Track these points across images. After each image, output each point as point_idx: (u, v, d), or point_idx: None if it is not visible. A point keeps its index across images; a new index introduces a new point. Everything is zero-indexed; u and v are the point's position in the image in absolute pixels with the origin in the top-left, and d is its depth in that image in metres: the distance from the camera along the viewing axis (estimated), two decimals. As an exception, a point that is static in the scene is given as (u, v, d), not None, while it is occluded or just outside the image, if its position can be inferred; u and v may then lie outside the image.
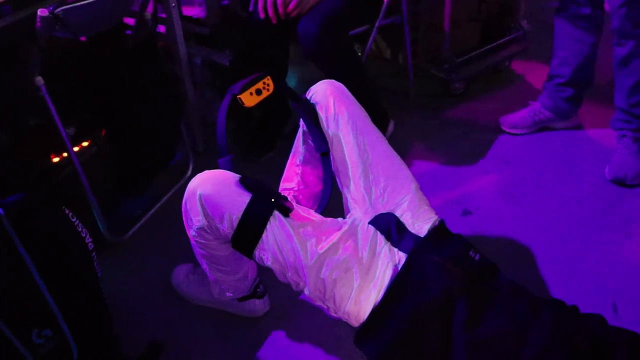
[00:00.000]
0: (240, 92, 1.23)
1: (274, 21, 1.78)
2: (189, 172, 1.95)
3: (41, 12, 1.32)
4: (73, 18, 1.38)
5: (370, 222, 1.22)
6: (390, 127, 2.09)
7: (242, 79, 1.27)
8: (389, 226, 1.20)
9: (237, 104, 1.24)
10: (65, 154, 1.56)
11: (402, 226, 1.21)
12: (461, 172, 1.97)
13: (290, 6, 1.75)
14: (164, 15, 1.86)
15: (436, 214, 1.28)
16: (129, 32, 1.87)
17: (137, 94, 1.71)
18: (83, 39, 1.65)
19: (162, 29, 1.97)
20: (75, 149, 1.59)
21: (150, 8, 1.82)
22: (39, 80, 1.41)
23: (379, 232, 1.20)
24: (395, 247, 1.18)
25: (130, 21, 1.86)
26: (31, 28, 1.34)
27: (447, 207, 1.81)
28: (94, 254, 1.14)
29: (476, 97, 2.38)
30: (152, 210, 1.81)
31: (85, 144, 1.71)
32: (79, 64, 1.62)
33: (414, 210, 1.25)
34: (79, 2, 1.38)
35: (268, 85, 1.26)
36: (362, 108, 1.35)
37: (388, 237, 1.19)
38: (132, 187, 1.77)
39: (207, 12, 2.13)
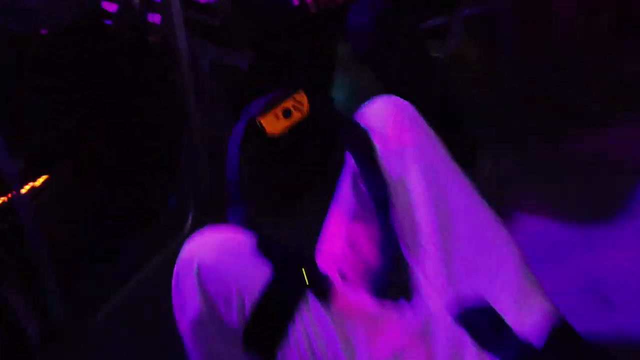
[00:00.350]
0: (262, 114, 1.24)
1: (313, 9, 1.79)
2: (187, 227, 1.95)
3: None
4: (23, 3, 1.41)
5: (451, 315, 1.18)
6: (483, 164, 2.06)
7: (265, 91, 1.27)
8: (479, 322, 1.15)
9: (257, 130, 1.24)
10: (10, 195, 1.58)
11: (499, 323, 1.17)
12: (592, 236, 1.93)
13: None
14: (158, -1, 1.92)
15: (554, 303, 1.23)
16: (108, 22, 1.93)
17: (117, 110, 1.74)
18: (43, 31, 1.70)
19: (155, 18, 2.01)
20: (25, 188, 1.60)
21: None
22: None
23: (464, 331, 1.15)
24: (491, 354, 1.13)
25: (111, 7, 1.91)
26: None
27: (572, 293, 1.75)
28: (42, 347, 1.13)
29: (614, 122, 2.34)
30: (130, 285, 1.80)
31: (39, 181, 1.73)
32: (36, 67, 1.66)
33: (518, 297, 1.19)
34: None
35: (301, 103, 1.26)
36: (438, 137, 1.34)
37: (480, 340, 1.14)
38: (103, 248, 1.78)
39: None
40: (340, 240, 1.46)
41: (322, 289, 1.15)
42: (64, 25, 1.63)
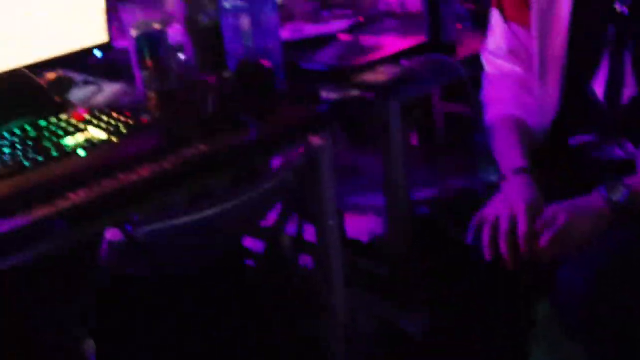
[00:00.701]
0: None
1: (512, 266, 1.79)
2: None
3: (111, 233, 1.47)
4: (163, 246, 1.52)
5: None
6: None
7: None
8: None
9: None
10: None
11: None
12: None
13: (543, 241, 1.76)
14: (312, 239, 1.99)
15: None
16: (250, 261, 2.01)
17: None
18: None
19: (307, 261, 2.08)
20: None
21: (291, 226, 1.96)
22: (89, 344, 1.54)
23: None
24: None
25: (255, 245, 2.00)
26: (90, 258, 1.50)
27: None
28: None
29: None
30: None
31: None
32: (153, 317, 1.75)
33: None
34: (173, 219, 1.53)
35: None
36: None
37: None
38: None
39: (389, 230, 2.22)
40: None
41: None
42: (197, 269, 1.72)
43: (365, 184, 3.08)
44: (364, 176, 3.24)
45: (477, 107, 2.15)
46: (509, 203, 1.83)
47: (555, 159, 2.03)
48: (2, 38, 1.79)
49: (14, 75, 1.83)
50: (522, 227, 1.76)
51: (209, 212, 1.54)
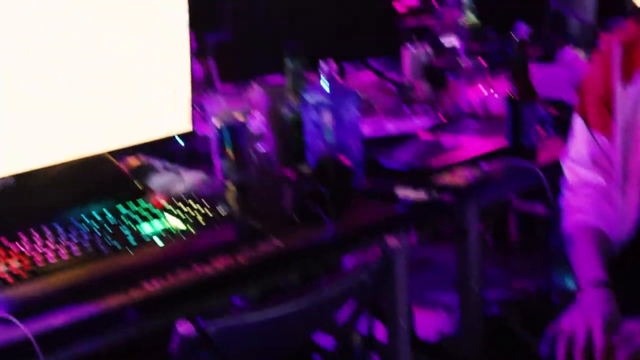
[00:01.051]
0: None
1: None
2: None
3: (182, 327, 1.45)
4: (235, 341, 1.50)
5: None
6: None
7: None
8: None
9: None
10: None
11: None
12: None
13: (621, 358, 1.72)
14: (381, 337, 1.97)
15: None
16: (317, 356, 1.99)
17: None
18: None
19: (374, 358, 2.06)
20: None
21: (363, 325, 1.94)
22: None
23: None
24: None
25: (323, 339, 1.98)
26: (161, 349, 1.48)
27: None
28: None
29: None
30: None
31: None
32: None
33: None
34: (245, 315, 1.51)
35: None
36: None
37: None
38: None
39: (460, 331, 2.19)
40: None
41: None
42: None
43: (435, 278, 3.05)
44: (434, 270, 3.21)
45: (556, 213, 2.11)
46: (585, 317, 1.78)
47: (634, 271, 1.98)
48: (90, 123, 1.81)
49: (97, 160, 1.84)
50: (599, 343, 1.72)
51: (282, 309, 1.52)
